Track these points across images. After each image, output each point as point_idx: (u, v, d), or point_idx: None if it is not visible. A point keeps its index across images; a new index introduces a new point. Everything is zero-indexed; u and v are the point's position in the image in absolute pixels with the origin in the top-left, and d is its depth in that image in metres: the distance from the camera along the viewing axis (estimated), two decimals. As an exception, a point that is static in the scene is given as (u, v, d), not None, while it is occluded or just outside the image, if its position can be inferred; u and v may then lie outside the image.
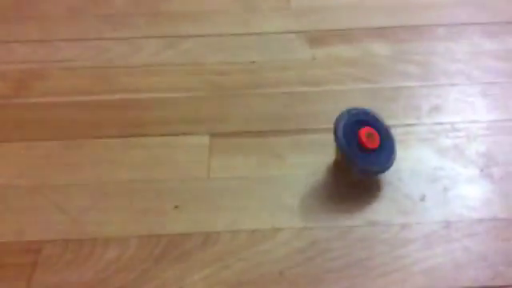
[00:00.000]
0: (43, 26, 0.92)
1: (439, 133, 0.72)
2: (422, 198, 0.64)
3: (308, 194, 0.65)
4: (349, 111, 0.65)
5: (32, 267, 0.56)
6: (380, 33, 0.90)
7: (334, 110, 0.76)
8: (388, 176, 0.66)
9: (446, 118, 0.75)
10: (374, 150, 0.63)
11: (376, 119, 0.66)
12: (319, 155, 0.69)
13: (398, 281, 0.56)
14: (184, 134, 0.73)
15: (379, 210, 0.63)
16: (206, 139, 0.72)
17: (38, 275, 0.56)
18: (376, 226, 0.61)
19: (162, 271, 0.57)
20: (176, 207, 0.63)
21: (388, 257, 0.58)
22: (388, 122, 0.74)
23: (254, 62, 0.86)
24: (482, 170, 0.67)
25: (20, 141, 0.72)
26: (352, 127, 0.63)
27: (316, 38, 0.90)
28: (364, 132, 0.63)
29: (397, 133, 0.72)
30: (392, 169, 0.67)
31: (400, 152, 0.70)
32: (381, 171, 0.64)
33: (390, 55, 0.86)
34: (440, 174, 0.67)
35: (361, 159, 0.62)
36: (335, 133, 0.63)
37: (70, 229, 0.61)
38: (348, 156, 0.62)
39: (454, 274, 0.57)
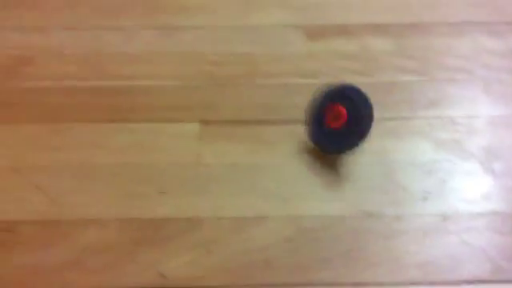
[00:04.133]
0: (35, 13, 0.91)
1: (438, 126, 0.70)
2: (419, 191, 0.61)
3: (298, 183, 0.62)
4: (331, 86, 0.64)
5: (7, 246, 0.54)
6: (379, 29, 0.88)
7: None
8: (382, 166, 0.64)
9: (445, 112, 0.72)
10: (336, 130, 0.62)
11: (361, 100, 0.64)
12: (311, 146, 0.67)
13: (388, 272, 0.53)
14: (174, 120, 0.71)
15: (372, 201, 0.60)
16: (196, 126, 0.70)
17: (14, 254, 0.53)
18: (368, 217, 0.58)
19: (143, 255, 0.54)
20: (161, 192, 0.61)
21: (379, 247, 0.55)
22: (383, 114, 0.72)
23: (249, 53, 0.84)
24: (482, 164, 0.65)
25: (5, 123, 0.70)
26: (324, 102, 0.63)
27: (314, 32, 0.88)
28: (332, 109, 0.62)
29: (392, 125, 0.70)
30: (387, 159, 0.65)
31: (396, 144, 0.67)
32: (336, 151, 0.62)
33: (389, 50, 0.84)
34: (437, 167, 0.64)
35: (317, 135, 0.62)
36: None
37: (49, 210, 0.58)
38: (308, 130, 0.61)
39: (451, 268, 0.54)
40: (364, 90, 0.77)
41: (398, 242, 0.56)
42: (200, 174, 0.63)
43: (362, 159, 0.65)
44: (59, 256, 0.54)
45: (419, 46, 0.85)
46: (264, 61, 0.83)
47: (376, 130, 0.68)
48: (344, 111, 0.62)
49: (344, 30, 0.88)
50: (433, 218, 0.58)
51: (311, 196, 0.61)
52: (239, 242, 0.56)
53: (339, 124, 0.62)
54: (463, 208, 0.59)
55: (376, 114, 0.72)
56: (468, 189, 0.62)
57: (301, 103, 0.74)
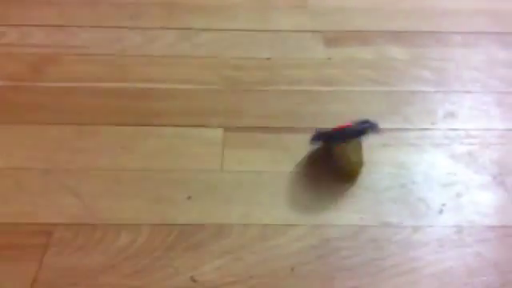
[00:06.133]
0: (59, 11, 0.92)
1: (453, 139, 0.72)
2: (436, 203, 0.64)
3: (320, 192, 0.65)
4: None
5: (44, 249, 0.56)
6: (396, 36, 0.90)
7: (347, 110, 0.77)
8: (401, 179, 0.66)
9: (461, 124, 0.75)
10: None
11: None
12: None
13: (409, 282, 0.56)
14: (198, 126, 0.73)
15: (392, 212, 0.63)
16: (219, 132, 0.72)
17: (50, 257, 0.55)
18: (388, 228, 0.61)
19: (174, 260, 0.56)
20: (189, 198, 0.63)
21: (400, 258, 0.58)
22: (402, 125, 0.75)
23: (269, 58, 0.85)
24: (494, 178, 0.67)
25: (33, 123, 0.72)
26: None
27: (332, 39, 0.90)
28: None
29: (411, 137, 0.73)
30: (405, 172, 0.67)
31: (414, 156, 0.70)
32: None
33: (406, 59, 0.86)
34: (453, 180, 0.67)
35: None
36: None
37: (82, 213, 0.60)
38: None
39: (465, 279, 0.57)
40: (383, 99, 0.80)
41: (417, 253, 0.59)
42: (225, 181, 0.65)
43: (382, 170, 0.67)
44: (94, 260, 0.56)
45: (435, 56, 0.87)
46: (283, 66, 0.85)
47: (396, 140, 0.71)
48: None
49: (361, 37, 0.90)
50: (449, 230, 0.61)
51: (333, 206, 0.63)
52: (266, 249, 0.58)
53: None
54: (477, 221, 0.62)
55: (396, 124, 0.75)
56: (482, 202, 0.65)
57: (319, 111, 0.77)
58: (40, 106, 0.74)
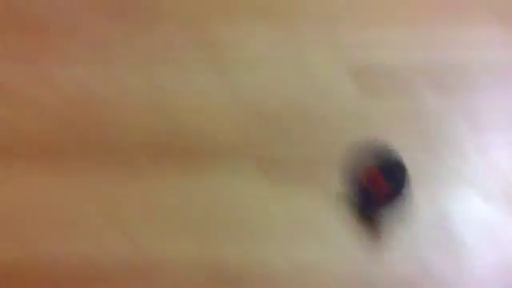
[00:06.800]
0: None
1: (486, 176, 0.73)
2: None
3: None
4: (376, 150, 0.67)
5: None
6: (425, 69, 0.89)
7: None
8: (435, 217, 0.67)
9: (494, 162, 0.76)
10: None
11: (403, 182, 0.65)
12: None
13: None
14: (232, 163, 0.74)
15: (428, 253, 0.63)
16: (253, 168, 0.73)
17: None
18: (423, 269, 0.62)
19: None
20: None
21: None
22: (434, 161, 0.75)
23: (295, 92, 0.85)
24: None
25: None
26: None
27: (359, 71, 0.90)
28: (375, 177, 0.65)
29: (443, 174, 0.74)
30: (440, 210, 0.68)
31: (446, 193, 0.71)
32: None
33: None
34: (488, 219, 0.68)
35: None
36: None
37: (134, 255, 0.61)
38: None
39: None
40: (411, 133, 0.80)
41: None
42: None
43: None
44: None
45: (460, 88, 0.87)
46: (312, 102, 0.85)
47: (427, 177, 0.72)
48: (387, 186, 0.64)
49: (391, 71, 0.90)
50: (486, 270, 0.62)
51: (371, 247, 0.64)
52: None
53: (378, 192, 0.64)
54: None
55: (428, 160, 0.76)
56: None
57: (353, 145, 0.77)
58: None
